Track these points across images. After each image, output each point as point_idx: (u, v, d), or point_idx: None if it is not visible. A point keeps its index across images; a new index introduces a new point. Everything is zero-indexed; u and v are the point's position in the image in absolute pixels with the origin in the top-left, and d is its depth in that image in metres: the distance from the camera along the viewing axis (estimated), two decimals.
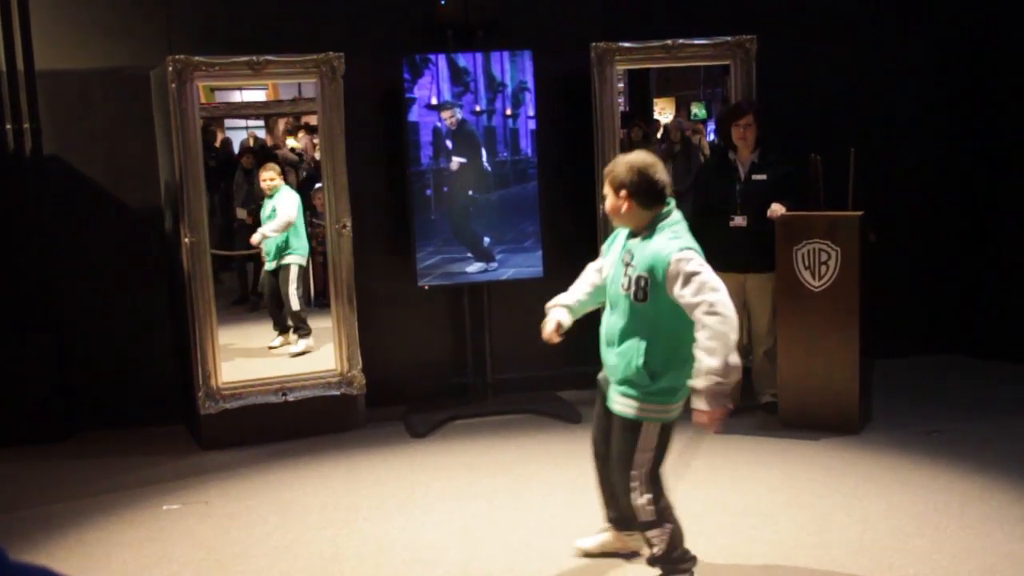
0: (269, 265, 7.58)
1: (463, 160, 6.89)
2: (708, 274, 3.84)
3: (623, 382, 4.05)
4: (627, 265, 3.99)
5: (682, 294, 3.83)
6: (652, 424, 4.04)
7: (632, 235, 4.08)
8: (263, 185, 7.44)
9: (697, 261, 3.85)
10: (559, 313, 4.30)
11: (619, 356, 4.04)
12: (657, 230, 3.98)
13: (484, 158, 6.93)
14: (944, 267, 8.05)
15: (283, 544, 5.02)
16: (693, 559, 4.21)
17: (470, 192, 6.96)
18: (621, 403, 4.08)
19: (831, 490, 5.38)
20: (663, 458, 4.12)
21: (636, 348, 3.98)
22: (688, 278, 3.82)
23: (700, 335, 3.80)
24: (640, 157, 4.03)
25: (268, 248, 7.51)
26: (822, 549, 4.66)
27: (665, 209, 4.01)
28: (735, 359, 3.80)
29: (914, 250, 7.93)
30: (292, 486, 5.85)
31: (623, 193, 3.98)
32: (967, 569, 4.40)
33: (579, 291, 4.35)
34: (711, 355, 3.77)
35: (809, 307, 6.25)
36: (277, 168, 7.49)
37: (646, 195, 3.97)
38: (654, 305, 3.91)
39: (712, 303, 3.77)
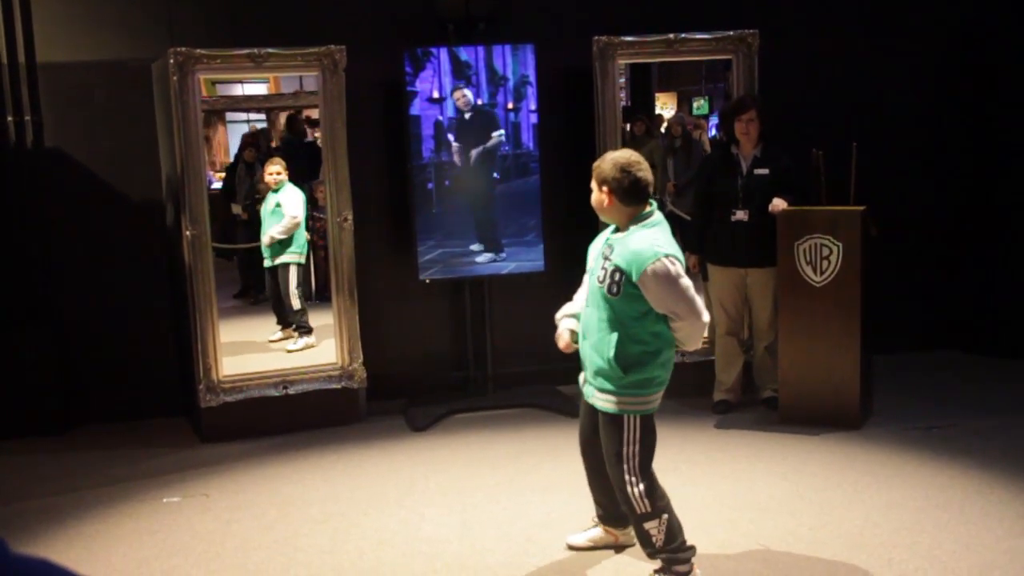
0: (267, 263, 7.55)
1: (459, 146, 6.89)
2: (682, 283, 3.99)
3: (597, 374, 4.16)
4: (606, 259, 4.12)
5: (656, 299, 4.00)
6: (633, 417, 4.11)
7: (616, 230, 4.21)
8: (268, 179, 7.36)
9: (674, 269, 3.98)
10: (569, 323, 4.37)
11: (593, 348, 4.16)
12: (638, 228, 4.09)
13: (504, 137, 6.93)
14: (946, 263, 8.04)
15: (283, 537, 5.03)
16: (692, 549, 4.25)
17: (495, 175, 6.96)
18: (601, 399, 4.18)
19: (831, 485, 5.38)
20: (652, 449, 4.18)
21: (608, 341, 4.08)
22: (663, 285, 3.96)
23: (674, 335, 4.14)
24: (625, 155, 4.15)
25: (266, 243, 7.49)
26: (821, 544, 4.66)
27: (647, 209, 4.13)
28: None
29: (916, 245, 7.92)
30: (292, 479, 5.85)
31: (605, 189, 4.11)
32: (967, 564, 4.40)
33: (581, 297, 4.42)
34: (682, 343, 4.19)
35: (810, 302, 6.24)
36: (283, 162, 7.44)
37: (627, 193, 4.08)
38: (625, 300, 4.03)
39: (678, 313, 4.01)
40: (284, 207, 7.32)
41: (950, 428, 6.20)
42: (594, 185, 4.18)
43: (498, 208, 7.02)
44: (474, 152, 6.90)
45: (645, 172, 4.09)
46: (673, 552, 4.18)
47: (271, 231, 7.38)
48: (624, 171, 4.06)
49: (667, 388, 4.24)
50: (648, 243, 4.01)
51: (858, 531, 4.80)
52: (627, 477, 4.13)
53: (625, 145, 7.47)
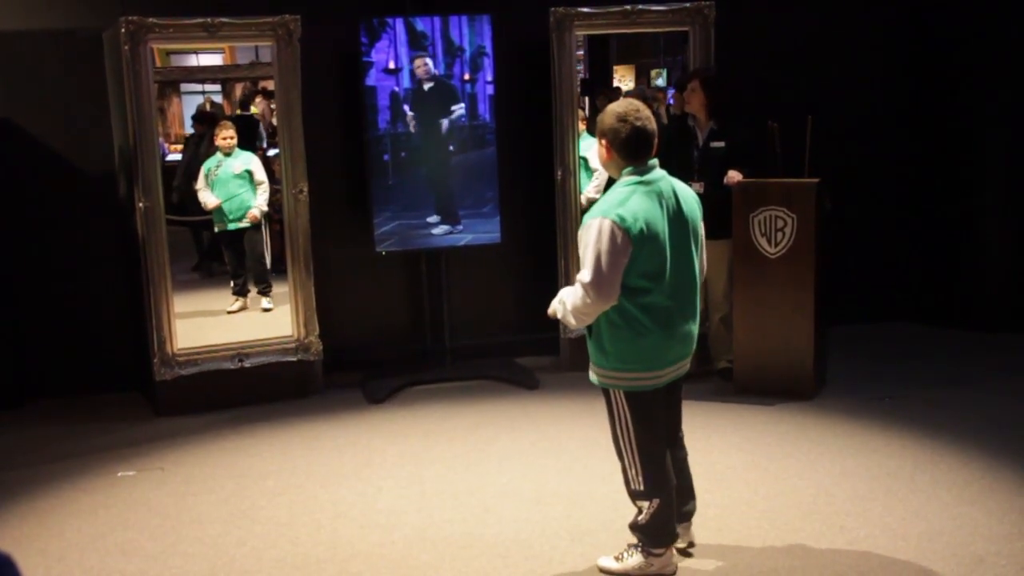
0: (233, 225, 7.46)
1: (414, 115, 6.85)
2: (605, 247, 3.72)
3: (589, 347, 4.03)
4: None
5: (581, 247, 3.83)
6: (615, 392, 3.98)
7: None
8: (222, 143, 7.28)
9: (609, 231, 3.71)
10: None
11: None
12: (618, 186, 3.86)
13: (464, 112, 6.91)
14: (899, 235, 8.12)
15: (239, 510, 5.01)
16: (672, 538, 4.15)
17: (450, 147, 6.94)
18: (591, 370, 4.06)
19: (785, 455, 5.44)
20: (651, 432, 4.00)
21: None
22: (590, 235, 3.76)
23: (568, 288, 3.92)
24: (625, 104, 3.87)
25: (231, 207, 7.38)
26: (775, 513, 4.72)
27: (646, 166, 3.84)
28: (571, 321, 3.91)
29: (869, 218, 7.99)
30: (248, 452, 5.83)
31: (604, 142, 3.87)
32: (917, 531, 4.47)
33: None
34: (562, 302, 3.91)
35: (765, 274, 6.29)
36: (235, 127, 7.38)
37: (625, 145, 3.81)
38: None
39: (581, 281, 3.78)
40: (256, 174, 7.32)
41: (902, 398, 6.28)
42: (596, 140, 3.90)
43: (455, 180, 7.00)
44: (443, 124, 6.87)
45: (646, 123, 3.79)
46: (648, 537, 4.10)
47: (260, 204, 7.34)
48: (622, 120, 3.78)
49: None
50: (611, 200, 3.79)
51: (811, 499, 4.86)
52: (625, 456, 4.03)
53: (587, 118, 7.52)
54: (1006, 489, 4.90)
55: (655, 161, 3.90)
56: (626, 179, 3.86)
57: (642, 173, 3.84)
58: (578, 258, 6.96)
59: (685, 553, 4.33)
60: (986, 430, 5.69)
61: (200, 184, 7.38)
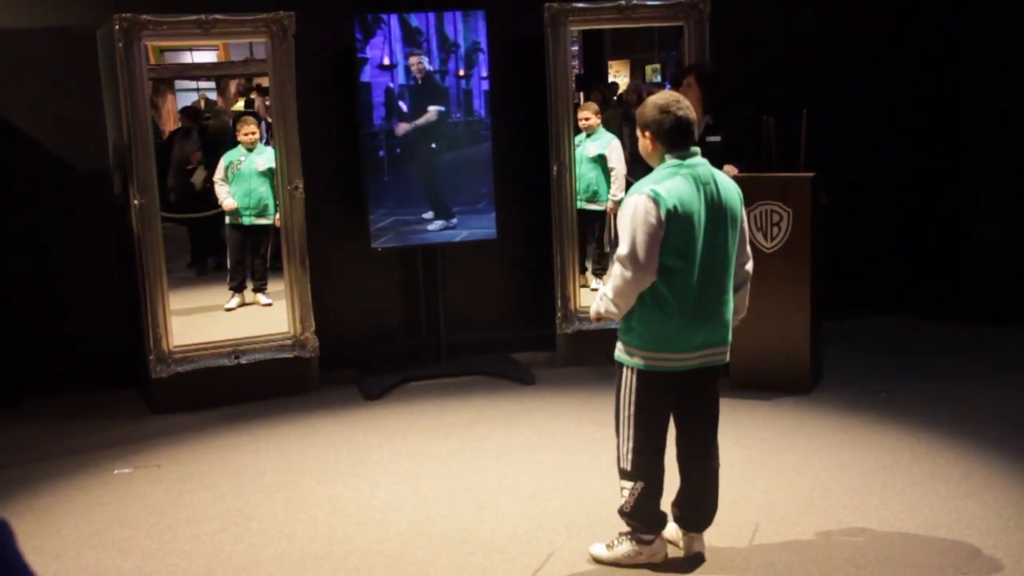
0: (248, 220, 7.43)
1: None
2: (641, 223, 3.78)
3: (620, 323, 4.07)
4: None
5: (618, 226, 3.90)
6: (628, 368, 4.00)
7: None
8: (245, 139, 7.26)
9: (644, 207, 3.78)
10: None
11: None
12: (657, 170, 3.93)
13: (437, 115, 6.90)
14: (894, 229, 8.12)
15: (235, 507, 5.01)
16: (661, 525, 4.17)
17: (432, 145, 6.93)
18: (617, 347, 4.09)
19: (782, 449, 5.45)
20: (651, 413, 4.01)
21: None
22: (625, 214, 3.84)
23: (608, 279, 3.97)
24: (665, 96, 3.97)
25: (249, 202, 7.33)
26: (772, 507, 4.72)
27: (686, 152, 3.92)
28: (612, 309, 3.94)
29: (865, 212, 7.99)
30: (245, 449, 5.83)
31: (648, 134, 3.95)
32: (914, 524, 4.48)
33: None
34: (603, 296, 3.96)
35: (761, 268, 6.19)
36: (256, 121, 7.36)
37: (669, 135, 3.91)
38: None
39: (619, 256, 3.85)
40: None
41: (898, 392, 6.29)
42: (638, 132, 3.99)
43: (450, 176, 6.99)
44: (410, 125, 6.85)
45: (687, 112, 3.91)
46: (633, 522, 4.13)
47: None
48: (665, 112, 3.88)
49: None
50: (648, 179, 3.88)
51: (808, 493, 4.86)
52: (620, 432, 4.05)
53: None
54: (1003, 482, 4.91)
55: (696, 149, 3.97)
56: (666, 163, 3.93)
57: (683, 158, 3.92)
58: (575, 254, 7.06)
59: (693, 560, 4.26)
60: (983, 424, 5.69)
61: (219, 175, 7.33)
